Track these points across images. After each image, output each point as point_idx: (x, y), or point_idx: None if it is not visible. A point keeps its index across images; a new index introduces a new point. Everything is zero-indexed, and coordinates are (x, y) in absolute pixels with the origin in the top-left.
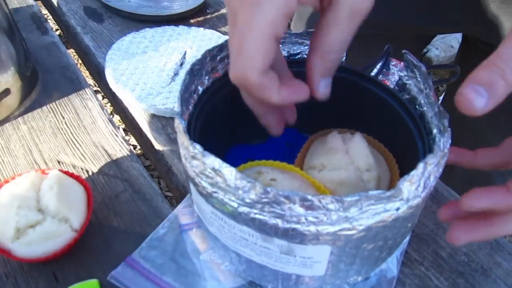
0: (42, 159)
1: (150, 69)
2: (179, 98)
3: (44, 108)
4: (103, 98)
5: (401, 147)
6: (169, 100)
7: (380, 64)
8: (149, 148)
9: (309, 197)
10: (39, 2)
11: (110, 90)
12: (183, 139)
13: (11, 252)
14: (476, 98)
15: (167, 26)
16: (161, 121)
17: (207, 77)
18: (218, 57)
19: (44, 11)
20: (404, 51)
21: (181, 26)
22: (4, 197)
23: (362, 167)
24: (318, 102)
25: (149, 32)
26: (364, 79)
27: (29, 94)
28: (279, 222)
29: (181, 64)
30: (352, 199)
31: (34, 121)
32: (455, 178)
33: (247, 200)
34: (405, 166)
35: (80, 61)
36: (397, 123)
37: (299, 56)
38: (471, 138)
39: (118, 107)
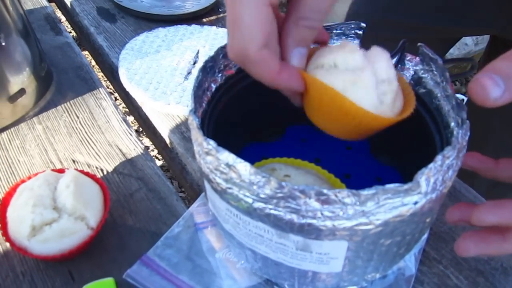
0: (57, 158)
1: (163, 68)
2: (192, 95)
3: (59, 108)
4: (116, 99)
5: (417, 142)
6: (183, 98)
7: (395, 59)
8: (163, 147)
9: (325, 191)
10: (53, 3)
11: (124, 89)
12: (197, 135)
13: (27, 250)
14: (492, 87)
15: (179, 26)
16: (175, 120)
17: (220, 74)
18: None
19: (58, 12)
20: (419, 44)
21: (193, 25)
22: (20, 196)
23: (381, 76)
24: None
25: (161, 32)
26: None
27: (44, 94)
28: (294, 217)
29: (194, 63)
30: (368, 193)
31: (49, 121)
32: (480, 181)
33: (262, 196)
34: (422, 161)
35: (93, 62)
36: (413, 117)
37: None
38: (494, 144)
39: (132, 107)
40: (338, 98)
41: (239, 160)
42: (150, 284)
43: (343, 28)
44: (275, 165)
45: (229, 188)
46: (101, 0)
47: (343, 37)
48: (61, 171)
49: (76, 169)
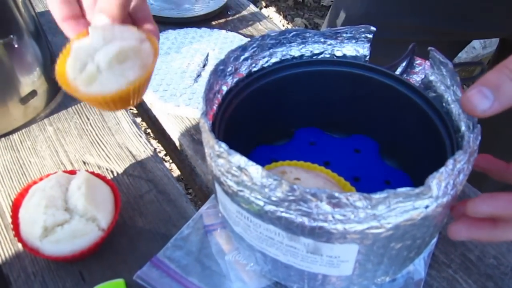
0: (68, 160)
1: (173, 70)
2: (203, 97)
3: (70, 109)
4: None
5: (427, 146)
6: (192, 101)
7: (404, 63)
8: (172, 149)
9: (336, 194)
10: None
11: None
12: (208, 138)
13: (39, 250)
14: (480, 99)
15: (189, 28)
16: (185, 122)
17: (230, 78)
18: (242, 58)
19: None
20: (430, 48)
21: (203, 28)
22: (33, 197)
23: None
24: (342, 101)
25: (172, 34)
26: (389, 78)
27: (55, 96)
28: (305, 220)
29: (204, 66)
30: (380, 196)
31: (60, 123)
32: (488, 184)
33: (274, 198)
34: (432, 164)
35: None
36: (423, 122)
37: (321, 55)
38: (502, 148)
39: (141, 109)
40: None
41: (250, 163)
42: (160, 286)
43: (353, 32)
44: (285, 168)
45: (240, 190)
46: None
47: (353, 41)
48: (73, 172)
49: (87, 171)
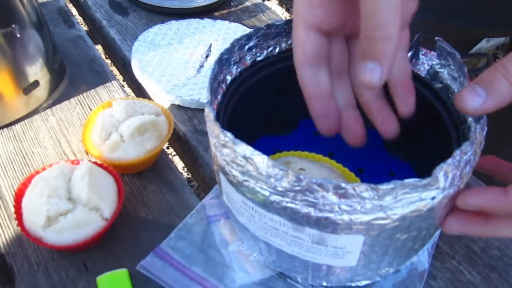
0: (70, 150)
1: (176, 61)
2: (208, 87)
3: (72, 100)
4: (126, 92)
5: (432, 137)
6: (195, 91)
7: (410, 53)
8: (175, 139)
9: (343, 185)
10: None
11: (136, 82)
12: (213, 127)
13: (42, 240)
14: (471, 97)
15: (192, 19)
16: (187, 113)
17: (235, 67)
18: (246, 47)
19: (69, 5)
20: (437, 38)
21: (206, 19)
22: (36, 187)
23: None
24: None
25: (174, 25)
26: None
27: (57, 87)
28: (311, 210)
29: (207, 57)
30: (387, 187)
31: (63, 113)
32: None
33: (279, 189)
34: (437, 156)
35: (105, 54)
36: (430, 113)
37: None
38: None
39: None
40: None
41: (256, 152)
42: (163, 276)
43: None
44: (290, 158)
45: (246, 180)
46: None
47: None
48: (76, 162)
49: (90, 161)
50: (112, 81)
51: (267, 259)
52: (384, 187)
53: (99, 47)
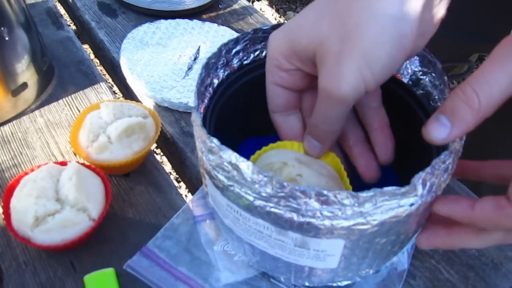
0: (59, 151)
1: (164, 62)
2: (195, 92)
3: (60, 101)
4: (115, 93)
5: (415, 144)
6: (183, 94)
7: None
8: (163, 141)
9: (325, 192)
10: None
11: (124, 84)
12: (200, 133)
13: (30, 240)
14: (437, 128)
15: (181, 19)
16: (175, 115)
17: (222, 70)
18: (233, 51)
19: (58, 6)
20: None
21: (195, 20)
22: (24, 188)
23: None
24: None
25: (163, 24)
26: None
27: (46, 88)
28: (294, 216)
29: (195, 59)
30: (367, 195)
31: (51, 114)
32: (483, 187)
33: (263, 194)
34: (419, 163)
35: (92, 55)
36: (411, 119)
37: None
38: (491, 150)
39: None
40: None
41: (241, 159)
42: (149, 275)
43: None
44: (288, 160)
45: (231, 185)
46: None
47: None
48: (64, 163)
49: (78, 162)
50: (101, 83)
51: (251, 260)
52: (364, 195)
53: (86, 47)
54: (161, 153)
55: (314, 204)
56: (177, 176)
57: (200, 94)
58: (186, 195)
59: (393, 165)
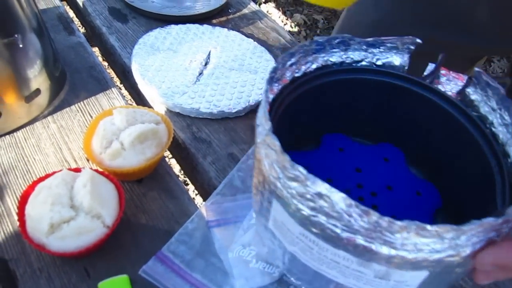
0: (72, 157)
1: (175, 67)
2: (265, 112)
3: (73, 107)
4: (124, 97)
5: (466, 162)
6: (195, 100)
7: (431, 72)
8: (174, 146)
9: (428, 227)
10: (64, 1)
11: (135, 89)
12: (281, 158)
13: (45, 247)
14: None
15: (191, 24)
16: (186, 120)
17: (276, 84)
18: (288, 63)
19: (69, 12)
20: (476, 69)
21: (205, 25)
22: (39, 195)
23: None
24: (374, 109)
25: (174, 29)
26: (428, 91)
27: (58, 94)
28: (385, 249)
29: (206, 64)
30: (468, 228)
31: (63, 120)
32: None
33: (355, 227)
34: (472, 180)
35: (100, 59)
36: (464, 140)
37: (361, 63)
38: None
39: (143, 106)
40: None
41: (334, 190)
42: (165, 281)
43: (397, 42)
44: None
45: (314, 216)
46: (113, 0)
47: (395, 51)
48: (77, 170)
49: (92, 169)
50: (112, 88)
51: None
52: (466, 228)
53: (95, 49)
54: (169, 156)
55: (413, 238)
56: (185, 179)
57: (269, 115)
58: (194, 198)
59: (430, 180)
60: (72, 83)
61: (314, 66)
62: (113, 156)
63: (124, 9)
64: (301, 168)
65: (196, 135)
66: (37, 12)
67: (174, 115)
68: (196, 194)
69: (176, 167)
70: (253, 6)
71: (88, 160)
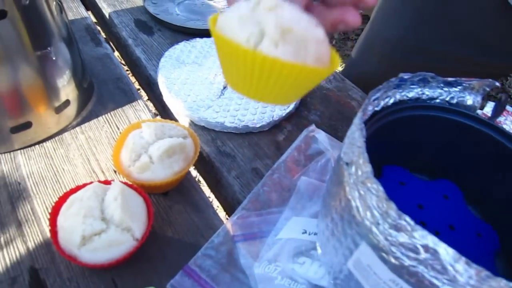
0: (99, 168)
1: (200, 80)
2: (364, 153)
3: (100, 118)
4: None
5: None
6: (219, 114)
7: (495, 112)
8: (199, 160)
9: None
10: (89, 12)
11: (160, 101)
12: (386, 205)
13: (77, 258)
14: None
15: None
16: (211, 134)
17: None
18: (372, 98)
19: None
20: None
21: None
22: (71, 207)
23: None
24: (438, 145)
25: (199, 43)
26: (499, 134)
27: (86, 105)
28: None
29: None
30: None
31: (91, 131)
32: None
33: (461, 281)
34: None
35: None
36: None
37: (436, 100)
38: None
39: (168, 119)
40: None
41: (442, 244)
42: None
43: (475, 84)
44: None
45: (413, 266)
46: (139, 12)
47: (470, 91)
48: (107, 182)
49: (121, 181)
50: (138, 100)
51: None
52: None
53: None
54: (193, 168)
55: None
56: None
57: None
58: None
59: (487, 221)
60: (100, 94)
61: (391, 100)
62: (142, 169)
63: (149, 21)
64: (408, 218)
65: (221, 149)
66: (67, 22)
67: (199, 128)
68: (217, 207)
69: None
70: None
71: (115, 172)
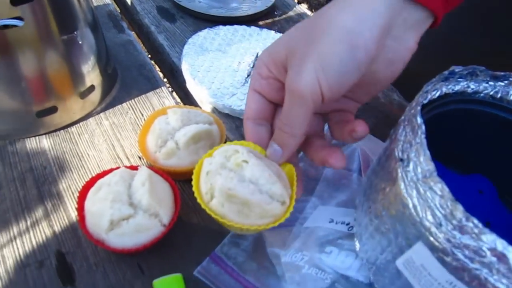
0: (124, 154)
1: (224, 68)
2: (426, 150)
3: (124, 105)
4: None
5: None
6: (243, 102)
7: None
8: None
9: None
10: None
11: (183, 88)
12: (451, 206)
13: (104, 243)
14: (274, 154)
15: (238, 26)
16: (235, 122)
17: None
18: (424, 90)
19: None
20: None
21: (252, 27)
22: (99, 191)
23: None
24: (476, 139)
25: (222, 30)
26: None
27: (110, 91)
28: None
29: (253, 66)
30: None
31: (115, 117)
32: None
33: None
34: None
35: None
36: None
37: (480, 94)
38: None
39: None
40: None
41: (511, 248)
42: (219, 283)
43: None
44: (240, 149)
45: (477, 269)
46: None
47: None
48: (133, 168)
49: (148, 167)
50: (162, 87)
51: None
52: None
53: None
54: None
55: None
56: None
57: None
58: None
59: None
60: (123, 80)
61: (437, 94)
62: (168, 156)
63: (172, 8)
64: (475, 220)
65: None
66: (92, 7)
67: (223, 116)
68: None
69: None
70: (298, 8)
71: (140, 158)
